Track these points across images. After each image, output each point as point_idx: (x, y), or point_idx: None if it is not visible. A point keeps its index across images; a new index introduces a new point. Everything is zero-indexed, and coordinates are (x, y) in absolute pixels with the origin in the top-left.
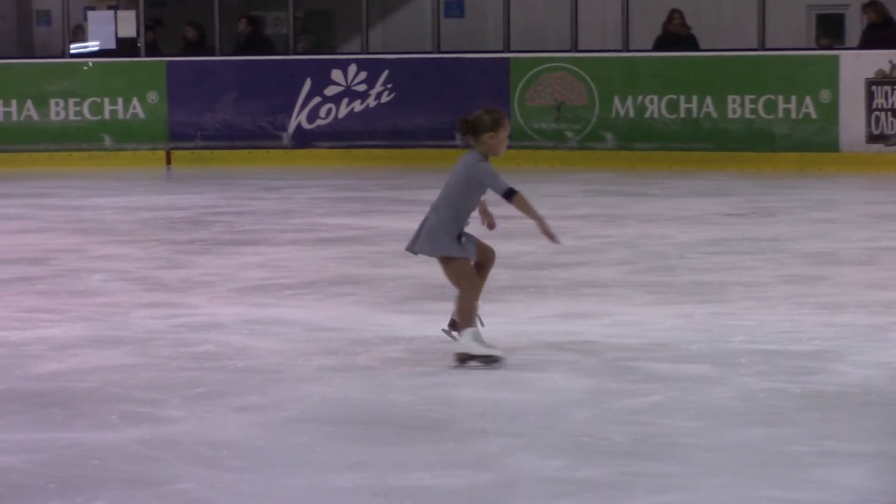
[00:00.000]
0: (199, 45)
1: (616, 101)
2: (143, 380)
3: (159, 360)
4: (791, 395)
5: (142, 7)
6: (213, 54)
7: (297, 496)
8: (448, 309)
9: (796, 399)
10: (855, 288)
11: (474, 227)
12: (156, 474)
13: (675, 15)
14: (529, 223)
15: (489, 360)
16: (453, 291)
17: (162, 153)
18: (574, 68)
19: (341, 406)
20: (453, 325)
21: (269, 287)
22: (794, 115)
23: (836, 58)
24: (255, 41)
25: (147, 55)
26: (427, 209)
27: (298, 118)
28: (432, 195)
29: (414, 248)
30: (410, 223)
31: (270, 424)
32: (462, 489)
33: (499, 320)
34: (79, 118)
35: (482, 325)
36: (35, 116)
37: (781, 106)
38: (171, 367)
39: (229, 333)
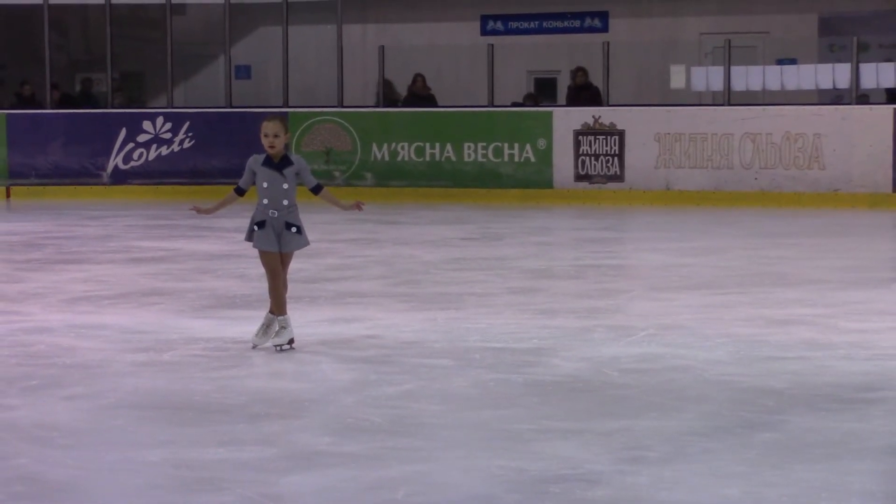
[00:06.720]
0: (32, 100)
1: (374, 147)
2: None
3: (0, 358)
4: (515, 384)
5: None
6: (44, 107)
7: (113, 468)
8: (241, 316)
9: (519, 387)
10: (566, 297)
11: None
12: None
13: (418, 78)
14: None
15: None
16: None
17: (3, 189)
18: (340, 120)
19: (151, 395)
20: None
21: (91, 298)
22: (517, 159)
23: (551, 113)
24: (82, 98)
25: None
26: (223, 233)
27: (116, 160)
28: (227, 223)
29: (288, 246)
30: (208, 246)
31: (92, 410)
32: (251, 461)
33: None
34: None
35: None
36: None
37: (507, 151)
38: (10, 363)
39: (58, 336)
